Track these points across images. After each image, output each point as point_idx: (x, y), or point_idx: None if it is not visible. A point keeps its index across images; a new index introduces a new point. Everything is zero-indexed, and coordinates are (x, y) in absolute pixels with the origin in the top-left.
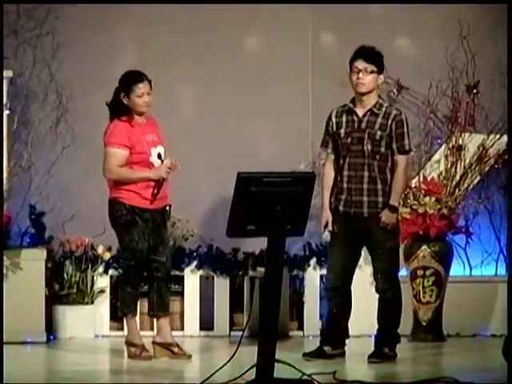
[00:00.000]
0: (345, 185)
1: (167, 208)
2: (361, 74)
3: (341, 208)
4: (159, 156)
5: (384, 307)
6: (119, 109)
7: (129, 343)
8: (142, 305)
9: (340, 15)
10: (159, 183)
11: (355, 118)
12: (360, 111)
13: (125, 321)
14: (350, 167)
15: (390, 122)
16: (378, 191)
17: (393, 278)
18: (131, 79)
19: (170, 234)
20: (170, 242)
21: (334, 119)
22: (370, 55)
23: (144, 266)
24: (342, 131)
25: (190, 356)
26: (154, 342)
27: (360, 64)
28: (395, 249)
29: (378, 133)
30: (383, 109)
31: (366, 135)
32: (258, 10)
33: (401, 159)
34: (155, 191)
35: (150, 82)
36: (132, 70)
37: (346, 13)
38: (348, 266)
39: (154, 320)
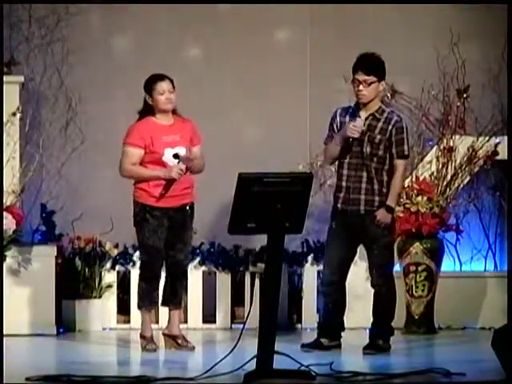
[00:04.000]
0: (343, 183)
1: (187, 207)
2: (361, 87)
3: (339, 206)
4: (175, 156)
5: (379, 301)
6: (143, 110)
7: (140, 335)
8: None
9: (336, 23)
10: (169, 183)
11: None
12: (363, 114)
13: (139, 313)
14: (350, 167)
15: (390, 128)
16: (374, 191)
17: (387, 273)
18: (152, 79)
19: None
20: (190, 240)
21: (338, 118)
22: (370, 66)
23: (160, 263)
24: None
25: (193, 347)
26: (163, 333)
27: (360, 76)
28: (390, 245)
29: (378, 137)
30: (385, 114)
31: (366, 138)
32: (260, 18)
33: (400, 163)
34: (163, 191)
35: (171, 81)
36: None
37: (342, 21)
38: (344, 262)
39: (160, 312)
